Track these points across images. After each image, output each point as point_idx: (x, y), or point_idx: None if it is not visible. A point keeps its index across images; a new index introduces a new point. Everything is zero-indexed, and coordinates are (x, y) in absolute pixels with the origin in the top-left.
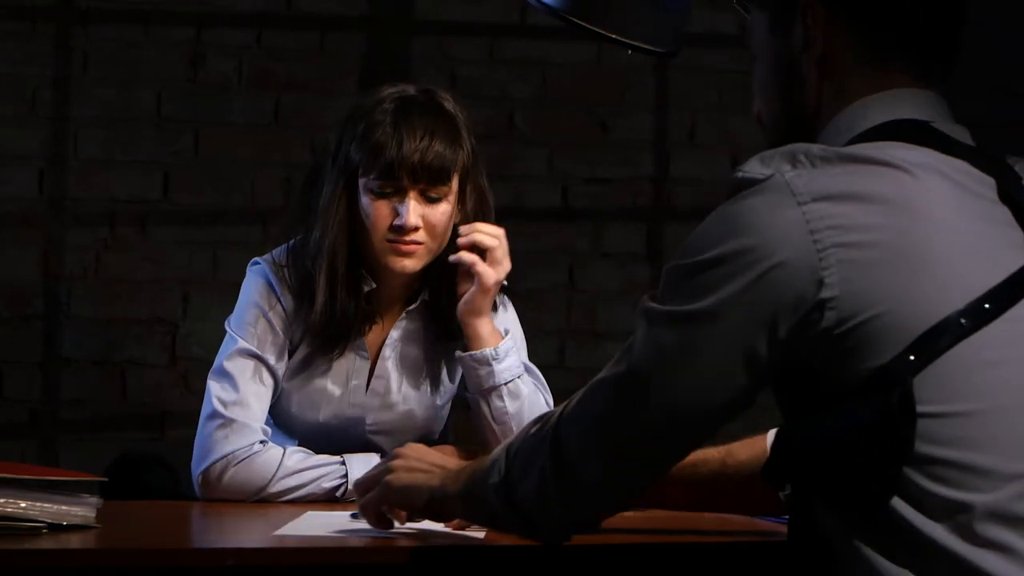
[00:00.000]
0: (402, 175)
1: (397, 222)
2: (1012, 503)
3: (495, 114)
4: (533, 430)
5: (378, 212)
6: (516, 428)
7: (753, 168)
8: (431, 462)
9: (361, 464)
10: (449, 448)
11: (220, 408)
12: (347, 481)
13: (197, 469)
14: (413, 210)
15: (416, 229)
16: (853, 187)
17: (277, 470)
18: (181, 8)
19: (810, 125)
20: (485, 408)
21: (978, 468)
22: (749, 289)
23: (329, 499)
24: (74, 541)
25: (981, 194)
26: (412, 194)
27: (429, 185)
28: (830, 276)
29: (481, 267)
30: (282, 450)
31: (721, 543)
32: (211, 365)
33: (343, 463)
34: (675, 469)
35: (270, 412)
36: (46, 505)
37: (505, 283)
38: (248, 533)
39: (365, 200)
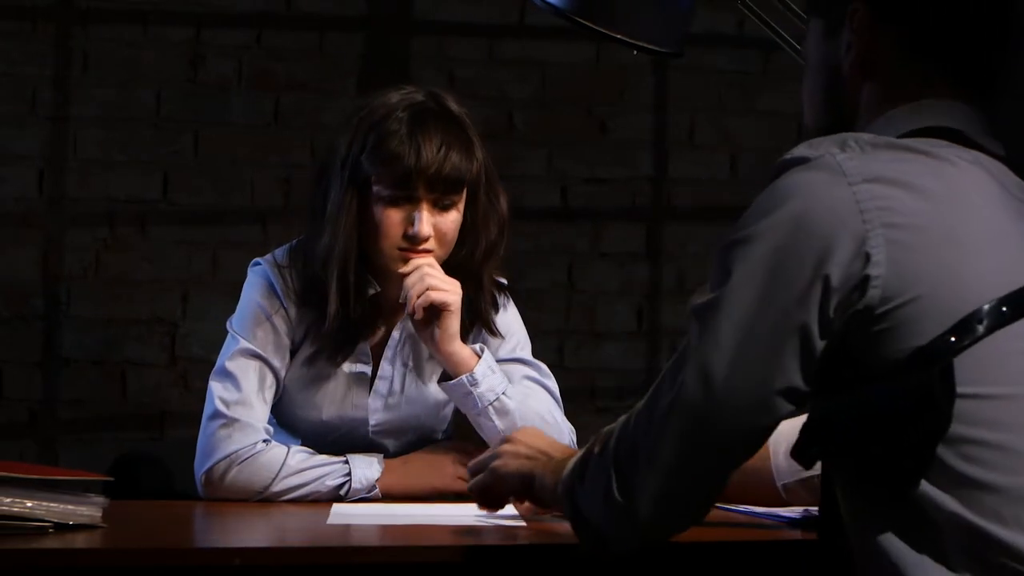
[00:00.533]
0: (418, 185)
1: (410, 232)
2: None
3: (494, 114)
4: (596, 449)
5: (391, 221)
6: None
7: (801, 151)
8: (538, 448)
9: (363, 464)
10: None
11: (222, 408)
12: (350, 480)
13: (200, 469)
14: (426, 220)
15: (428, 238)
16: (902, 174)
17: (280, 469)
18: (181, 8)
19: (850, 130)
20: (478, 428)
21: (1013, 450)
22: (798, 254)
23: (332, 498)
24: (81, 541)
25: (1018, 196)
26: (425, 203)
27: (443, 195)
28: (877, 254)
29: (437, 295)
30: (286, 449)
31: (728, 541)
32: (211, 365)
33: (346, 462)
34: None
35: (273, 412)
36: (52, 505)
37: (504, 282)
38: (254, 533)
39: (377, 208)
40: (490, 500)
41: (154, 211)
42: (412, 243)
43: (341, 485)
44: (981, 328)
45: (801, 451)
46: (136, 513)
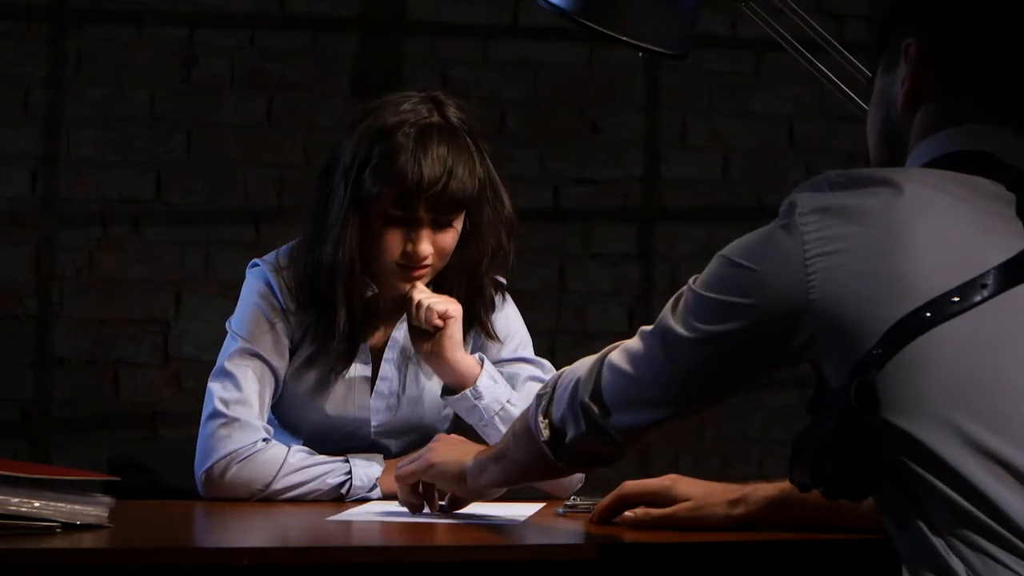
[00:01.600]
0: (419, 206)
1: (409, 250)
2: None
3: (486, 115)
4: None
5: (390, 239)
6: None
7: (799, 193)
8: (468, 448)
9: (364, 463)
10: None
11: (222, 407)
12: (351, 478)
13: (200, 468)
14: (425, 239)
15: (427, 257)
16: (845, 201)
17: (281, 467)
18: (174, 8)
19: (901, 162)
20: (484, 436)
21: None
22: (755, 308)
23: (334, 497)
24: (90, 541)
25: (986, 209)
26: (425, 224)
27: (443, 215)
28: (813, 281)
29: (439, 306)
30: (286, 448)
31: (730, 541)
32: (204, 365)
33: (347, 461)
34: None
35: (275, 412)
36: (60, 505)
37: (502, 281)
38: (261, 533)
39: (378, 224)
40: (415, 493)
41: (147, 211)
42: (410, 261)
43: (342, 484)
44: (907, 335)
45: (789, 476)
46: (141, 513)
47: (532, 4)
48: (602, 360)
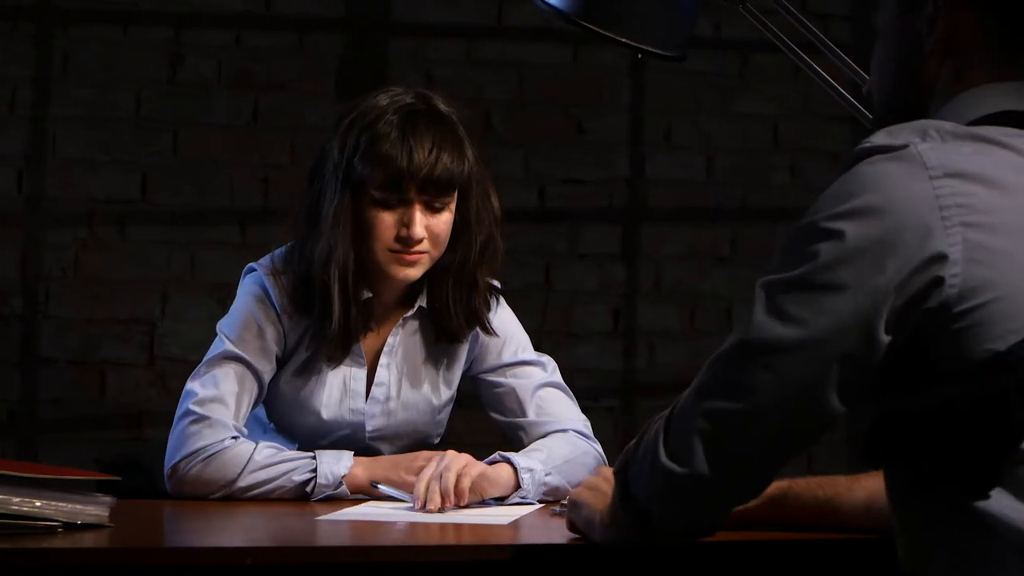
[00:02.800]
0: (410, 187)
1: (403, 234)
2: None
3: (472, 115)
4: (652, 422)
5: (383, 223)
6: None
7: (882, 139)
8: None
9: (331, 460)
10: None
11: (196, 406)
12: (316, 476)
13: (168, 463)
14: (419, 221)
15: (421, 240)
16: (983, 169)
17: (247, 463)
18: (161, 8)
19: (921, 106)
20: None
21: None
22: (872, 249)
23: (299, 495)
24: (92, 540)
25: None
26: (417, 205)
27: (435, 196)
28: (954, 253)
29: (463, 482)
30: (253, 445)
31: (729, 541)
32: (189, 365)
33: (314, 458)
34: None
35: (270, 416)
36: (61, 504)
37: (496, 284)
38: (264, 532)
39: (370, 210)
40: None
41: (133, 211)
42: (405, 245)
43: (307, 482)
44: None
45: (869, 450)
46: (141, 513)
47: (517, 5)
48: None
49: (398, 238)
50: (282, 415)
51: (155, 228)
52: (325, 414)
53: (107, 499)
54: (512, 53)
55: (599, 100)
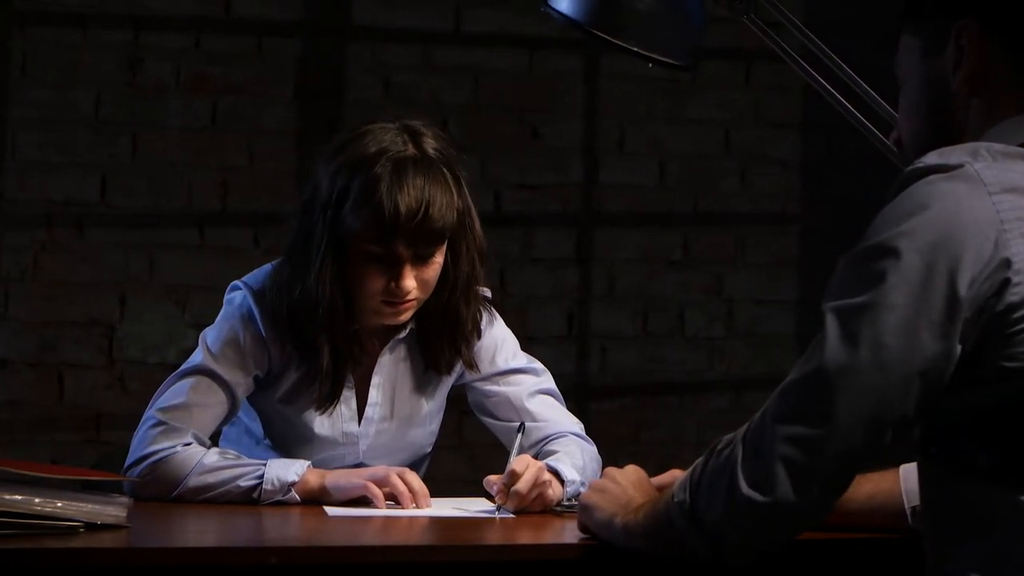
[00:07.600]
0: (399, 242)
1: (392, 287)
2: None
3: (428, 120)
4: (719, 448)
5: (372, 277)
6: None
7: (934, 159)
8: (629, 499)
9: (280, 467)
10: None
11: (159, 413)
12: (262, 482)
13: (125, 465)
14: (408, 275)
15: (410, 291)
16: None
17: (194, 467)
18: (119, 11)
19: (952, 144)
20: None
21: None
22: (939, 265)
23: (245, 500)
24: (112, 540)
25: None
26: (407, 259)
27: (424, 248)
28: (1018, 261)
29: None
30: (204, 451)
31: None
32: (147, 367)
33: (264, 464)
34: None
35: (267, 435)
36: (82, 505)
37: (488, 295)
38: (285, 531)
39: (359, 263)
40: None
41: (91, 213)
42: (394, 297)
43: (254, 488)
44: None
45: (922, 446)
46: (157, 513)
47: (474, 10)
48: None
49: (387, 290)
50: (277, 434)
51: (114, 230)
52: (319, 433)
53: (124, 499)
54: (469, 59)
55: (554, 106)
